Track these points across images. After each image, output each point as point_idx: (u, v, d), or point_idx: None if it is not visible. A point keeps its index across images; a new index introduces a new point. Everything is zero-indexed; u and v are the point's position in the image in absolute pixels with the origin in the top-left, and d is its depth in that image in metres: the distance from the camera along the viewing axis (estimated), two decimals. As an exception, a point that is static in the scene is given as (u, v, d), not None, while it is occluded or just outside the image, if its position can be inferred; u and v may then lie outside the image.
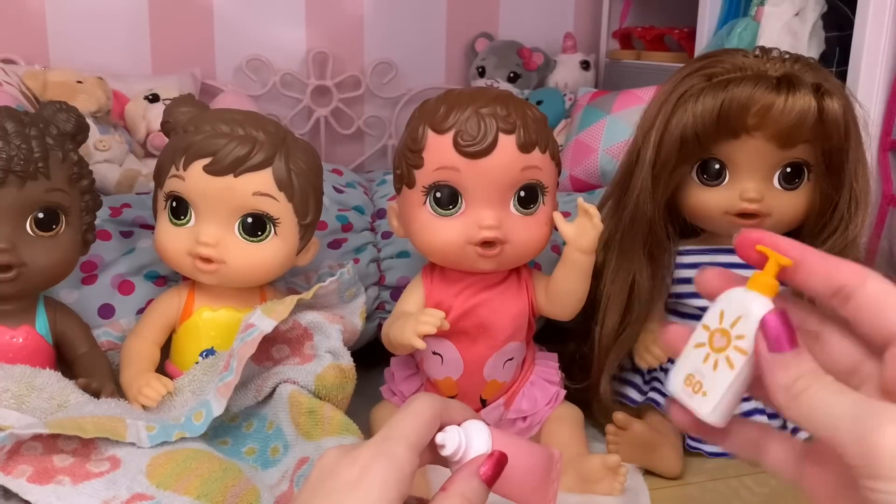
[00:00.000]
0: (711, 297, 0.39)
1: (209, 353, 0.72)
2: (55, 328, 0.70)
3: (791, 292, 0.36)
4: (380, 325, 0.85)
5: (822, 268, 0.34)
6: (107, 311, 0.79)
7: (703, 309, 0.81)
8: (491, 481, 0.41)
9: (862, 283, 0.32)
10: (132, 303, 0.80)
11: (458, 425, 0.44)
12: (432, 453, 0.43)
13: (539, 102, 1.44)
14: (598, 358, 0.78)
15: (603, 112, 1.25)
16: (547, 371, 0.79)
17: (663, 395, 0.80)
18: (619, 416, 0.74)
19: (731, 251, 0.80)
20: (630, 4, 1.67)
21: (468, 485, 0.40)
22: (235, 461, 0.62)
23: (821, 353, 0.34)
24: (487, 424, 0.45)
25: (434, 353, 0.74)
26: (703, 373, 0.35)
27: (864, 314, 0.32)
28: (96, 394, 0.67)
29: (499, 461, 0.41)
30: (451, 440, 0.43)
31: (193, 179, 0.67)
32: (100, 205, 0.72)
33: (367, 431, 0.72)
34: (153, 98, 1.31)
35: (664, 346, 0.37)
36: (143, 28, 1.51)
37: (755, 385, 0.35)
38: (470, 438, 0.43)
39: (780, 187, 0.73)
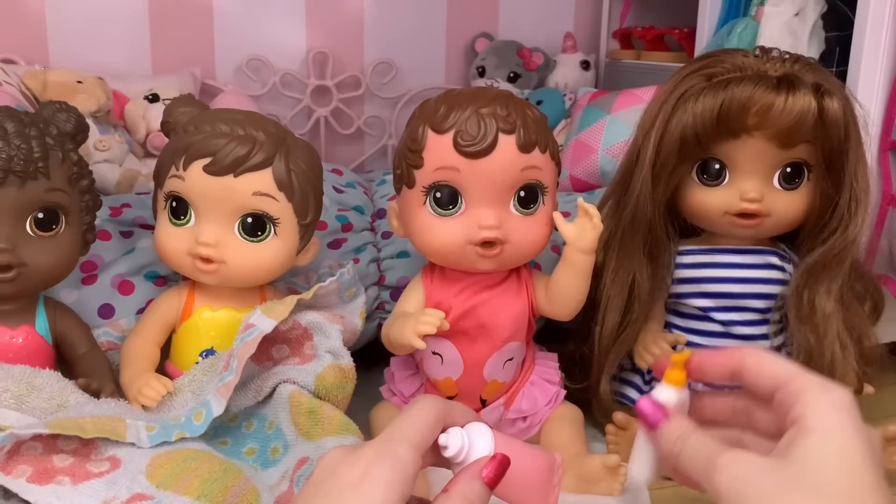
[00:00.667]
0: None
1: (209, 353, 0.72)
2: (55, 328, 0.70)
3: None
4: (380, 325, 0.85)
5: (713, 361, 0.43)
6: (107, 311, 0.79)
7: (704, 309, 0.82)
8: (493, 484, 0.41)
9: (742, 361, 0.42)
10: (132, 303, 0.80)
11: (462, 427, 0.44)
12: (435, 455, 0.43)
13: (539, 102, 1.44)
14: (598, 358, 0.78)
15: (603, 112, 1.25)
16: (547, 371, 0.79)
17: (663, 395, 0.80)
18: (619, 416, 0.74)
19: (730, 251, 0.80)
20: (630, 4, 1.67)
21: (470, 487, 0.40)
22: (235, 461, 0.62)
23: (755, 425, 0.41)
24: (490, 427, 0.45)
25: (434, 353, 0.74)
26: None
27: (752, 385, 0.41)
28: (96, 394, 0.67)
29: (501, 464, 0.41)
30: (453, 442, 0.43)
31: (193, 179, 0.67)
32: (100, 205, 0.72)
33: (367, 431, 0.72)
34: (153, 98, 1.31)
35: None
36: (143, 28, 1.51)
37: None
38: (473, 440, 0.43)
39: (780, 187, 0.73)
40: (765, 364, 0.41)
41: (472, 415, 0.45)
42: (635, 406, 0.42)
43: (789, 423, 0.36)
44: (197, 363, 0.70)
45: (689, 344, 0.80)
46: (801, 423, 0.35)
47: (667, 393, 0.44)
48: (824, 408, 0.35)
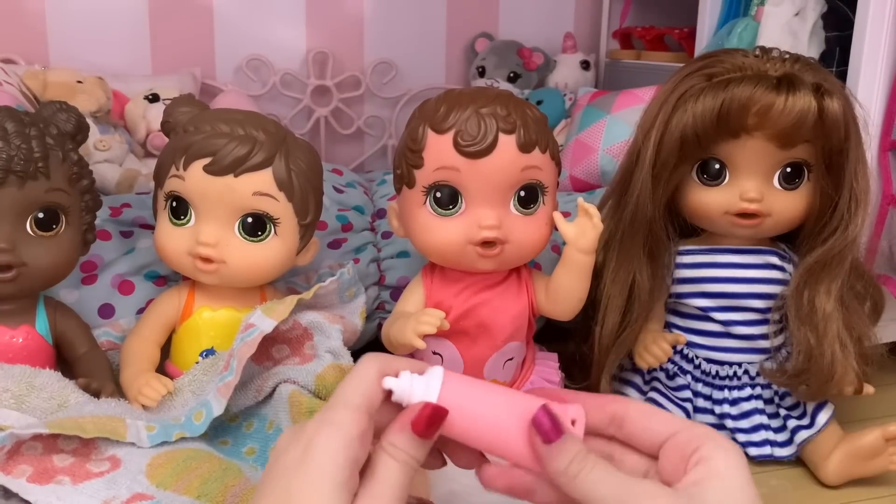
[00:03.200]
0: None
1: (209, 353, 0.72)
2: (55, 328, 0.70)
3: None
4: (380, 325, 0.85)
5: (594, 405, 0.41)
6: (107, 311, 0.79)
7: (704, 309, 0.82)
8: (424, 433, 0.38)
9: (626, 410, 0.40)
10: (132, 303, 0.80)
11: (418, 373, 0.40)
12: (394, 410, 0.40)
13: (539, 102, 1.44)
14: (598, 358, 0.78)
15: (603, 112, 1.25)
16: (547, 371, 0.79)
17: (663, 395, 0.80)
18: (619, 416, 0.74)
19: (730, 251, 0.80)
20: (630, 4, 1.67)
21: (396, 437, 0.38)
22: (235, 461, 0.62)
23: (619, 467, 0.39)
24: (451, 373, 0.40)
25: (434, 352, 0.74)
26: None
27: (635, 433, 0.40)
28: (96, 394, 0.67)
29: (432, 414, 0.38)
30: (398, 386, 0.39)
31: (193, 179, 0.67)
32: (100, 205, 0.72)
33: (367, 431, 0.72)
34: (153, 98, 1.31)
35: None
36: (143, 28, 1.51)
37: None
38: (418, 385, 0.39)
39: (780, 187, 0.73)
40: (653, 417, 0.40)
41: (425, 366, 0.42)
42: (532, 417, 0.38)
43: (692, 463, 0.37)
44: (197, 363, 0.70)
45: (689, 344, 0.80)
46: (710, 466, 0.36)
47: (575, 410, 0.40)
48: (731, 455, 0.37)
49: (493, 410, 0.40)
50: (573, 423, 0.40)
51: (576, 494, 0.37)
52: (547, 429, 0.38)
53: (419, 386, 0.39)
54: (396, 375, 0.40)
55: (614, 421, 0.41)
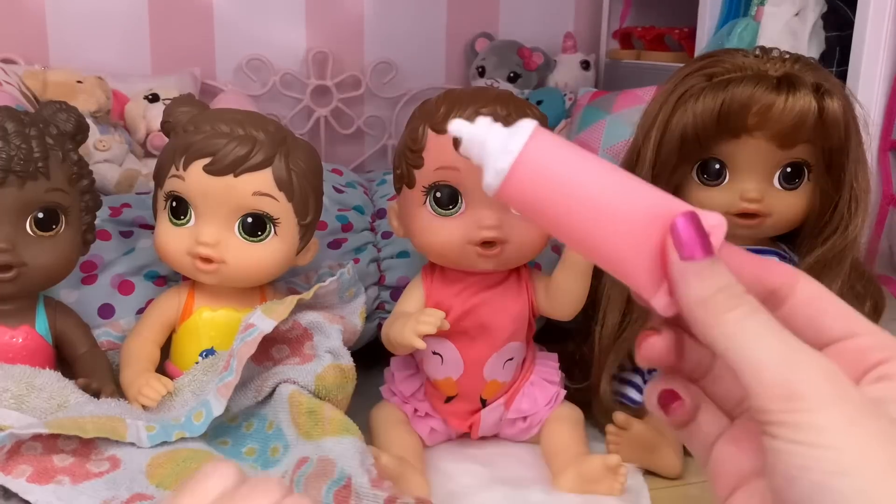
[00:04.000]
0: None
1: (209, 353, 0.72)
2: (55, 328, 0.70)
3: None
4: (380, 325, 0.85)
5: (752, 268, 0.30)
6: (107, 311, 0.79)
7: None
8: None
9: (793, 288, 0.30)
10: (132, 303, 0.80)
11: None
12: None
13: (539, 102, 1.44)
14: (598, 358, 0.78)
15: (603, 112, 1.25)
16: (547, 371, 0.79)
17: (663, 395, 0.80)
18: (619, 416, 0.74)
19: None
20: (630, 4, 1.67)
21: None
22: (235, 461, 0.62)
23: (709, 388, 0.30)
24: (547, 131, 0.29)
25: (434, 353, 0.74)
26: None
27: (799, 317, 0.29)
28: (96, 394, 0.67)
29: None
30: (470, 132, 0.29)
31: (193, 179, 0.67)
32: (100, 205, 0.72)
33: (367, 431, 0.72)
34: (153, 98, 1.31)
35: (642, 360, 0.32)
36: (143, 28, 1.51)
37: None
38: (495, 134, 0.29)
39: (780, 187, 0.73)
40: (828, 307, 0.29)
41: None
42: (673, 222, 0.28)
43: (871, 378, 0.27)
44: (197, 363, 0.70)
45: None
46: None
47: (718, 220, 0.29)
48: None
49: (604, 192, 0.28)
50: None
51: (717, 344, 0.27)
52: (689, 238, 0.28)
53: (498, 135, 0.29)
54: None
55: (775, 296, 0.30)
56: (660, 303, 0.28)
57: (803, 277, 0.30)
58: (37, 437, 0.57)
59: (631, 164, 0.76)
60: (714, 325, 0.27)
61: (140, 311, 0.79)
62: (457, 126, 0.29)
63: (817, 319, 0.29)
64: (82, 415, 0.60)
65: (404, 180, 0.70)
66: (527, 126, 0.28)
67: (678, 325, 0.31)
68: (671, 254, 0.28)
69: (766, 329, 0.27)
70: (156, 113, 1.27)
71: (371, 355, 0.82)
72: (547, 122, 0.71)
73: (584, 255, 0.30)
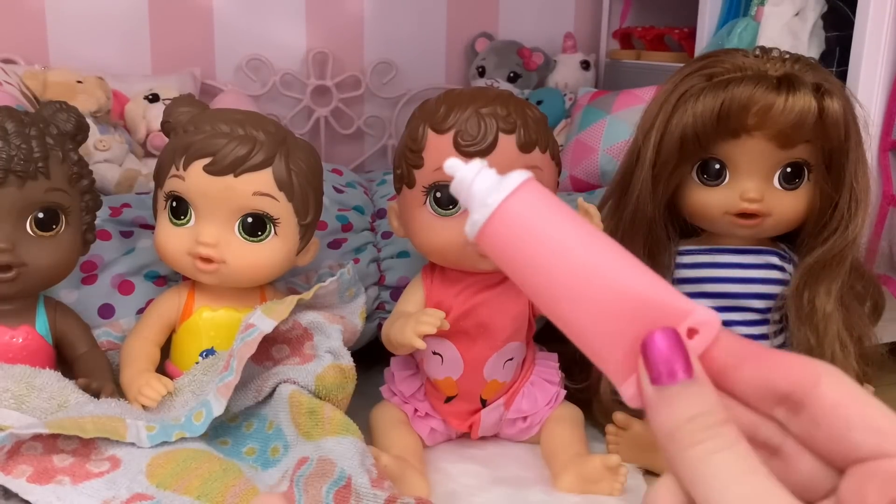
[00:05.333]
0: None
1: (209, 353, 0.72)
2: (55, 328, 0.70)
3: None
4: (380, 325, 0.85)
5: (759, 368, 0.25)
6: (107, 311, 0.79)
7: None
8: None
9: (814, 390, 0.24)
10: (132, 303, 0.80)
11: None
12: None
13: (539, 102, 1.44)
14: (598, 358, 0.78)
15: (603, 112, 1.25)
16: (547, 371, 0.79)
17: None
18: (619, 416, 0.74)
19: (731, 251, 0.80)
20: (630, 4, 1.67)
21: None
22: (235, 461, 0.62)
23: (785, 473, 0.25)
24: (540, 185, 0.28)
25: (434, 353, 0.74)
26: None
27: (819, 429, 0.24)
28: (96, 394, 0.67)
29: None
30: (461, 171, 0.29)
31: (193, 179, 0.67)
32: (100, 205, 0.72)
33: (367, 431, 0.73)
34: (153, 98, 1.31)
35: None
36: (143, 28, 1.51)
37: None
38: (485, 177, 0.28)
39: (780, 187, 0.73)
40: (854, 417, 0.23)
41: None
42: (645, 338, 0.24)
43: None
44: (197, 363, 0.70)
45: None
46: None
47: (709, 316, 0.25)
48: None
49: (586, 265, 0.26)
50: (691, 333, 0.25)
51: (682, 479, 0.24)
52: (663, 362, 0.24)
53: (484, 183, 0.27)
54: None
55: (791, 400, 0.24)
56: (627, 393, 0.26)
57: (825, 375, 0.24)
58: (37, 437, 0.57)
59: (631, 164, 0.76)
60: (678, 460, 0.24)
61: (140, 311, 0.79)
62: (450, 165, 0.29)
63: (844, 434, 0.24)
64: (82, 415, 0.60)
65: (404, 180, 0.70)
66: (515, 179, 0.27)
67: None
68: (641, 373, 0.25)
69: (737, 468, 0.23)
70: (156, 113, 1.27)
71: (371, 355, 0.82)
72: (547, 122, 0.71)
73: (555, 321, 0.27)
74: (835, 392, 0.24)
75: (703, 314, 0.25)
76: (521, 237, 0.26)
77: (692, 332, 0.25)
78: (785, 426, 0.25)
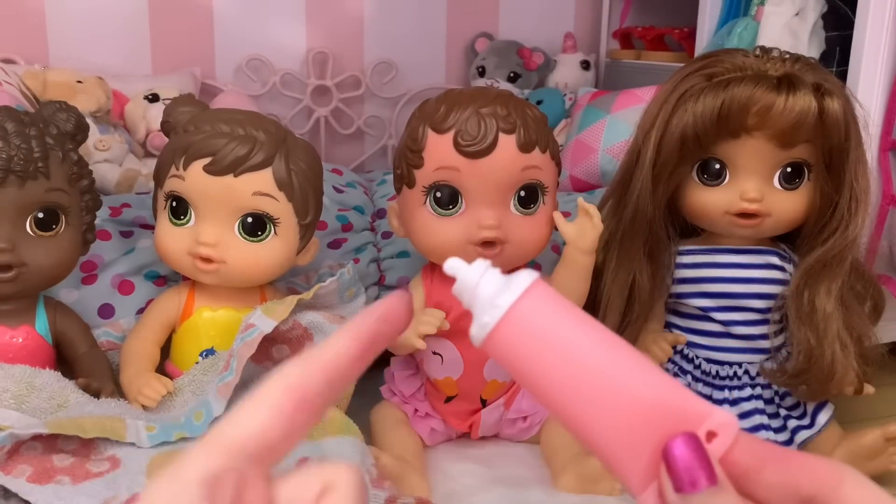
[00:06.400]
0: None
1: (209, 353, 0.72)
2: (55, 328, 0.70)
3: None
4: (380, 325, 0.85)
5: (782, 473, 0.25)
6: (107, 311, 0.79)
7: (704, 309, 0.82)
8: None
9: (835, 491, 0.24)
10: (132, 303, 0.80)
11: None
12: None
13: (539, 102, 1.44)
14: (598, 358, 0.78)
15: (603, 112, 1.25)
16: (547, 371, 0.79)
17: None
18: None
19: (731, 251, 0.80)
20: (630, 4, 1.67)
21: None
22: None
23: None
24: (548, 286, 0.27)
25: (434, 353, 0.74)
26: None
27: None
28: (96, 394, 0.67)
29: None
30: (465, 272, 0.28)
31: (193, 179, 0.67)
32: (100, 205, 0.72)
33: (367, 431, 0.72)
34: (153, 98, 1.31)
35: None
36: (143, 28, 1.51)
37: None
38: (491, 278, 0.27)
39: (780, 187, 0.73)
40: None
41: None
42: (666, 446, 0.24)
43: None
44: (197, 363, 0.70)
45: (689, 344, 0.80)
46: None
47: (726, 418, 0.25)
48: None
49: (601, 370, 0.25)
50: (709, 436, 0.25)
51: None
52: (686, 468, 0.24)
53: (490, 285, 0.27)
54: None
55: (811, 503, 0.24)
56: (647, 502, 0.25)
57: (848, 478, 0.24)
58: (37, 437, 0.57)
59: (631, 163, 0.76)
60: None
61: (140, 311, 0.79)
62: (451, 266, 0.28)
63: None
64: (82, 415, 0.60)
65: (404, 180, 0.70)
66: (523, 280, 0.26)
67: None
68: (664, 480, 0.24)
69: None
70: (156, 113, 1.27)
71: (371, 355, 0.82)
72: (547, 122, 0.71)
73: (567, 428, 0.26)
74: (857, 494, 0.24)
75: (720, 416, 0.25)
76: (532, 341, 0.26)
77: (711, 436, 0.25)
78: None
